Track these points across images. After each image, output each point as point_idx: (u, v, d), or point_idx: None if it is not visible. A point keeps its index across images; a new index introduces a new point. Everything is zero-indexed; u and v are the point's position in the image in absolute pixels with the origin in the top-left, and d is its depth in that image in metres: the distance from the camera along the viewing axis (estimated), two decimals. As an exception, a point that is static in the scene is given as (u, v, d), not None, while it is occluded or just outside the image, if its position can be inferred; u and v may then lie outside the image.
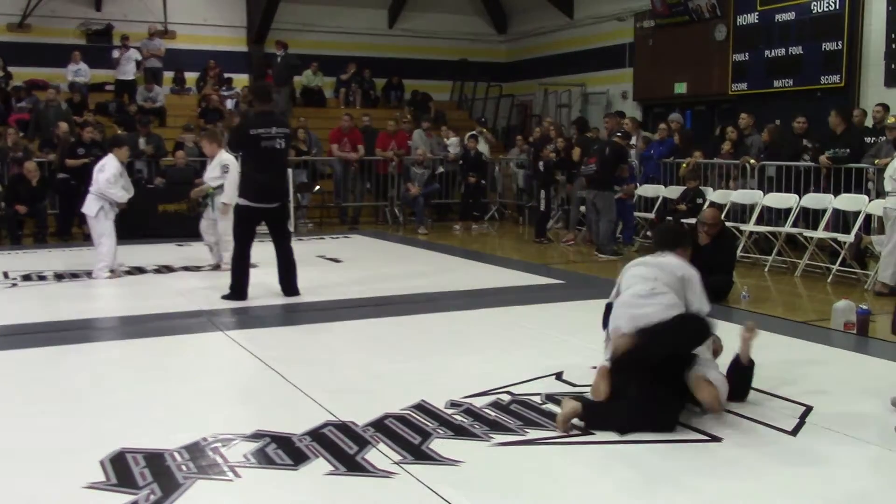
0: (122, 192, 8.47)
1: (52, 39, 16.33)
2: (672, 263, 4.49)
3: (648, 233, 10.91)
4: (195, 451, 3.69)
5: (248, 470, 3.51)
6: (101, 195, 8.31)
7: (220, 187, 8.62)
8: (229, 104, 16.26)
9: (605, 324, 4.53)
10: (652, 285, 4.34)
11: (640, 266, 4.55)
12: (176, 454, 3.64)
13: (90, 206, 8.37)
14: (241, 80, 17.33)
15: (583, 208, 12.16)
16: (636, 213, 11.56)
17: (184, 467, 3.51)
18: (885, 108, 10.13)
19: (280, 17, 17.85)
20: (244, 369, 5.24)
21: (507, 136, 17.79)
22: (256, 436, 3.87)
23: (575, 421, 4.01)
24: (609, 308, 4.55)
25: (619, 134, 10.87)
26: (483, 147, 14.72)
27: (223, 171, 8.60)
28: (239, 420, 4.13)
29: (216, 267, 8.78)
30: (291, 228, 12.18)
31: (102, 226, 8.36)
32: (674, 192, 11.21)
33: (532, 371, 4.97)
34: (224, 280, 7.47)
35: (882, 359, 5.53)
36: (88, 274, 8.47)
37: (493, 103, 19.23)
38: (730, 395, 4.23)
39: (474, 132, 14.95)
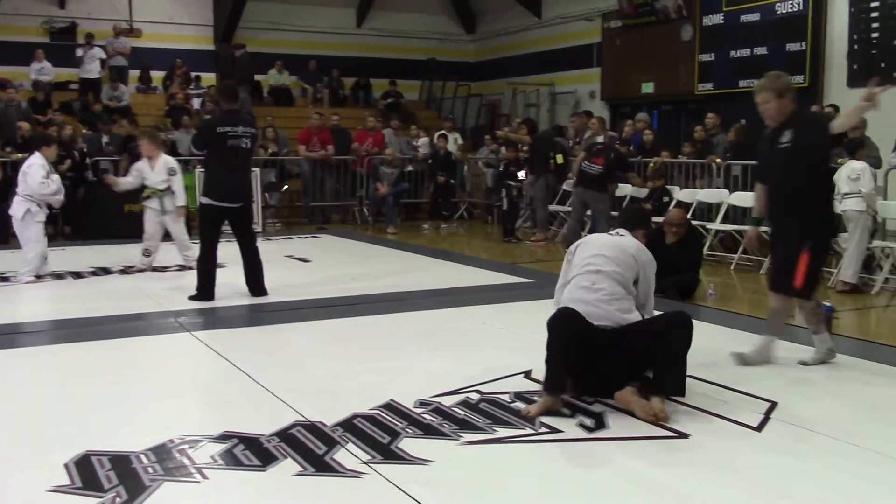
0: (59, 195, 8.35)
1: (14, 37, 16.08)
2: (627, 243, 4.60)
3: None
4: (162, 452, 3.66)
5: (216, 471, 3.48)
6: (30, 197, 8.09)
7: (168, 189, 8.58)
8: (196, 103, 16.13)
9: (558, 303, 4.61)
10: (593, 279, 4.45)
11: (591, 246, 4.65)
12: (142, 456, 3.61)
13: (16, 209, 8.13)
14: (208, 78, 17.18)
15: (551, 207, 12.25)
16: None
17: (150, 469, 3.48)
18: (835, 108, 10.26)
19: (247, 16, 17.74)
20: (211, 370, 5.20)
21: (476, 135, 17.82)
22: (224, 437, 3.84)
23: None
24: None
25: (617, 143, 11.11)
26: (453, 146, 14.74)
27: (170, 173, 8.62)
28: (206, 421, 4.10)
29: (140, 271, 8.72)
30: (259, 228, 12.21)
31: (30, 230, 8.12)
32: (641, 190, 11.28)
33: (501, 370, 4.98)
34: (190, 280, 7.41)
35: (845, 355, 5.60)
36: (53, 276, 8.37)
37: (462, 103, 19.25)
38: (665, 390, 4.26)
39: (443, 131, 14.98)
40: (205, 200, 7.18)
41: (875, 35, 11.61)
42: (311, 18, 18.62)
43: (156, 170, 8.68)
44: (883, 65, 11.48)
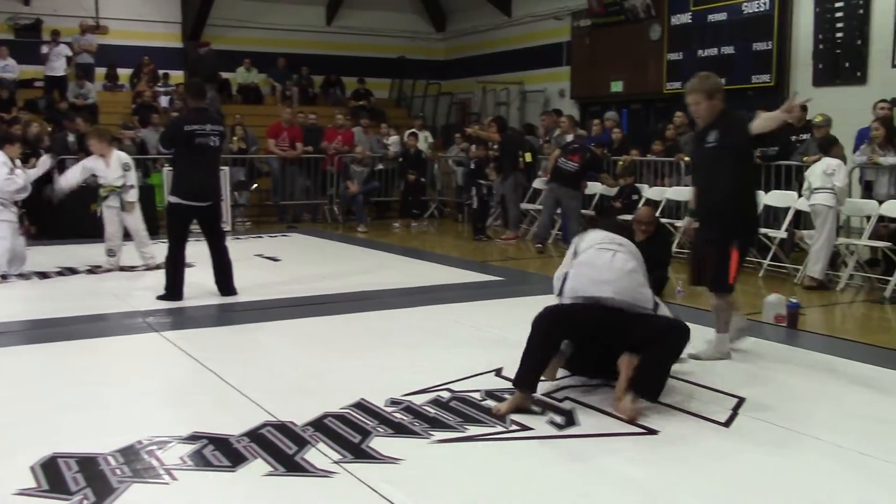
0: (24, 192, 8.25)
1: (-22, 34, 15.88)
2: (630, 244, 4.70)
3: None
4: (130, 454, 3.62)
5: (185, 472, 3.46)
6: None
7: (125, 186, 8.53)
8: (164, 101, 15.99)
9: (560, 291, 4.63)
10: (614, 251, 4.52)
11: (599, 232, 4.74)
12: (110, 458, 3.57)
13: None
14: (176, 76, 17.04)
15: (521, 205, 12.28)
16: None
17: (118, 471, 3.44)
18: (804, 107, 10.39)
19: (216, 13, 17.62)
20: (180, 370, 5.16)
21: (446, 133, 17.83)
22: (193, 438, 3.81)
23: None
24: (564, 278, 4.65)
25: (592, 143, 11.28)
26: (423, 145, 14.73)
27: (125, 168, 8.58)
28: (175, 422, 4.06)
29: (106, 271, 8.62)
30: (228, 227, 12.13)
31: None
32: (611, 189, 11.35)
33: (471, 368, 4.99)
34: (158, 280, 7.34)
35: (811, 350, 5.70)
36: (20, 276, 8.26)
37: (432, 101, 19.25)
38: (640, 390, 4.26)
39: (414, 130, 14.98)
40: (173, 199, 7.11)
41: (839, 35, 11.76)
42: (280, 16, 18.54)
43: (111, 167, 8.58)
44: (847, 64, 11.64)
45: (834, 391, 4.73)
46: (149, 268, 8.65)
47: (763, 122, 5.02)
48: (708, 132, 5.17)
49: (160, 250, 7.75)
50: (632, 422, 4.06)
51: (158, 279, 7.38)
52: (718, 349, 5.32)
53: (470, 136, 13.80)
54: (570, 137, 11.82)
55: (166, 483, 3.36)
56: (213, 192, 7.19)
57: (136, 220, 8.75)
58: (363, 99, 17.96)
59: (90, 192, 9.24)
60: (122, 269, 8.72)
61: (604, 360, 4.47)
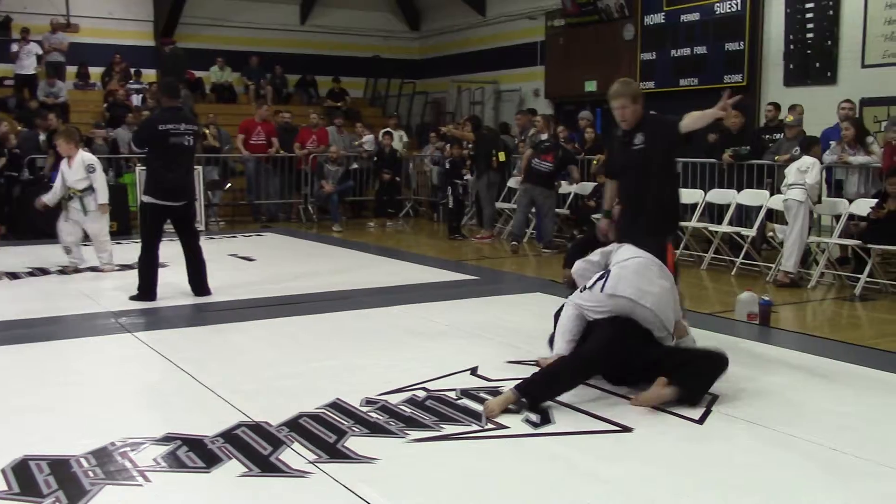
0: None
1: (-55, 32, 15.66)
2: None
3: (575, 232, 11.07)
4: (103, 456, 3.59)
5: (159, 474, 3.43)
6: None
7: (88, 189, 8.39)
8: (136, 100, 15.85)
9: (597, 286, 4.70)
10: (658, 267, 4.69)
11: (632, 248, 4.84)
12: (82, 460, 3.53)
13: None
14: (148, 75, 16.90)
15: (496, 204, 12.30)
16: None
17: (91, 473, 3.41)
18: (776, 107, 10.52)
19: (188, 11, 17.49)
20: (153, 371, 5.11)
21: (421, 132, 17.82)
22: (167, 439, 3.78)
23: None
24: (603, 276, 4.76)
25: (562, 140, 11.36)
26: (398, 144, 14.72)
27: (88, 171, 8.38)
28: (148, 423, 4.03)
29: (75, 270, 8.53)
30: (202, 227, 12.04)
31: None
32: (586, 188, 11.39)
33: (447, 367, 4.99)
34: (131, 281, 7.28)
35: (783, 348, 5.76)
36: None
37: (407, 100, 19.24)
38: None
39: (389, 129, 14.96)
40: (146, 199, 7.07)
41: (810, 36, 11.89)
42: (254, 14, 18.44)
43: (73, 168, 8.39)
44: (818, 65, 11.78)
45: (806, 388, 4.78)
46: (123, 267, 8.55)
47: (693, 120, 5.24)
48: (634, 135, 5.34)
49: (129, 252, 7.67)
50: (607, 419, 4.09)
51: (131, 280, 7.32)
52: None
53: (445, 135, 13.81)
54: (544, 136, 11.85)
55: (140, 485, 3.33)
56: (187, 192, 7.15)
57: (96, 225, 8.50)
58: (339, 100, 17.90)
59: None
60: (93, 269, 8.62)
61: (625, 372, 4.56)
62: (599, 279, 4.69)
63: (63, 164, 8.51)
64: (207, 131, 13.71)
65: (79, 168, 8.38)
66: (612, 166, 5.77)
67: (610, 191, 5.81)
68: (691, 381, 4.37)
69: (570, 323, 4.71)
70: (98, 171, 8.47)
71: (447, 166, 12.74)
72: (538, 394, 4.25)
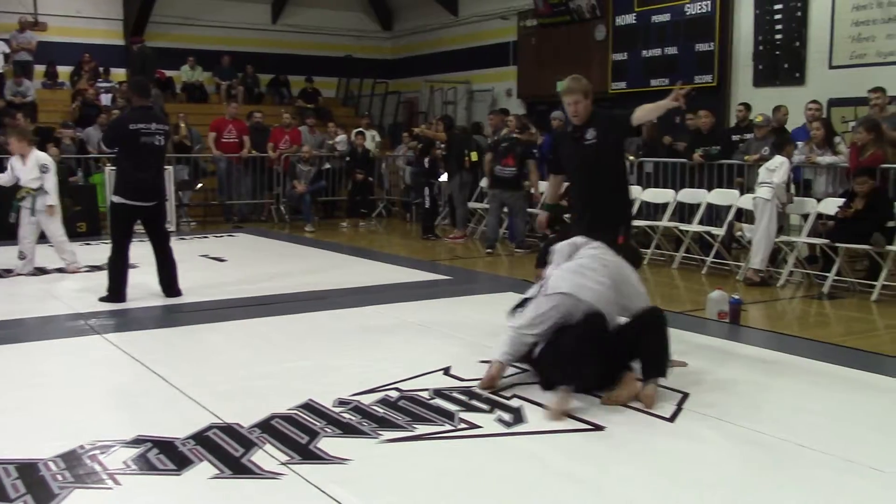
0: None
1: None
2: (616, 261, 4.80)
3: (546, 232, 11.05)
4: (71, 459, 3.55)
5: (129, 477, 3.40)
6: None
7: (41, 188, 8.28)
8: (105, 99, 15.69)
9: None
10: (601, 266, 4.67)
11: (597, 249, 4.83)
12: (51, 463, 3.49)
13: None
14: (117, 74, 16.74)
15: (469, 204, 12.31)
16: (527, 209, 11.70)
17: (59, 477, 3.37)
18: (747, 107, 10.63)
19: (158, 10, 17.36)
20: (124, 373, 5.06)
21: (393, 132, 17.80)
22: (137, 441, 3.75)
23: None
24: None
25: (517, 130, 11.16)
26: (370, 144, 14.69)
27: (42, 170, 8.27)
28: (118, 425, 3.99)
29: (28, 273, 8.41)
30: (173, 227, 11.95)
31: None
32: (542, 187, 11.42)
33: (420, 367, 4.99)
34: (100, 282, 7.21)
35: (753, 346, 5.81)
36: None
37: (380, 100, 19.21)
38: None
39: (361, 129, 14.93)
40: (116, 199, 6.99)
41: (778, 37, 12.02)
42: (225, 14, 18.34)
43: (27, 166, 8.29)
44: (786, 65, 11.91)
45: (775, 385, 4.83)
46: (69, 271, 8.45)
47: (646, 112, 5.37)
48: (586, 130, 5.43)
49: (99, 253, 7.59)
50: (574, 416, 4.11)
51: (100, 281, 7.24)
52: None
53: (417, 135, 13.81)
54: (504, 132, 11.86)
55: (109, 488, 3.30)
56: (157, 192, 7.10)
57: (53, 225, 8.40)
58: (312, 100, 17.83)
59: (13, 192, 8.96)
60: (61, 270, 8.51)
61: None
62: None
63: (15, 161, 8.41)
64: (179, 135, 13.61)
65: (33, 167, 8.28)
66: (561, 162, 5.83)
67: (553, 186, 6.02)
68: (651, 359, 4.45)
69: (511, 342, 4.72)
70: (51, 172, 8.33)
71: (426, 166, 12.68)
72: (576, 373, 4.31)
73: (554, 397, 4.23)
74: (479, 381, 4.63)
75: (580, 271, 4.64)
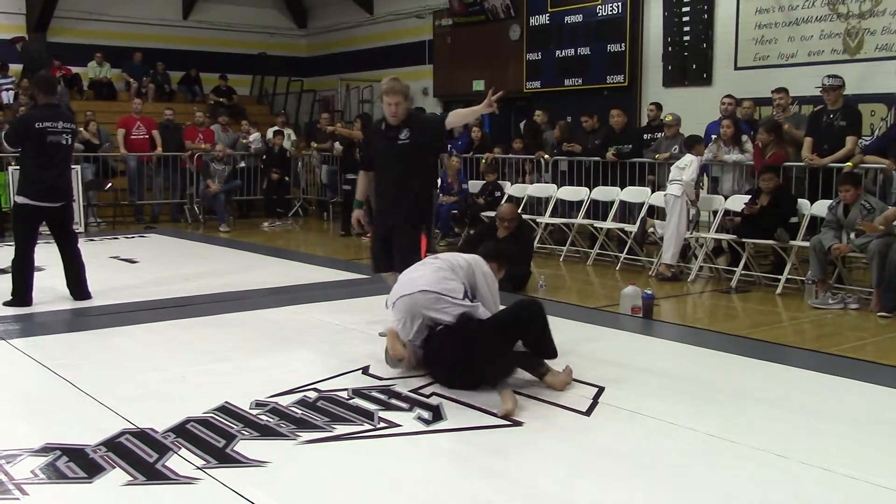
0: None
1: None
2: (460, 256, 5.08)
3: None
4: (-25, 470, 3.42)
5: (37, 486, 3.29)
6: None
7: None
8: (6, 97, 15.11)
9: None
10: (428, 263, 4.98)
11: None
12: (-48, 475, 3.36)
13: None
14: (17, 70, 16.11)
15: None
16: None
17: (-38, 489, 3.25)
18: (658, 106, 10.88)
19: (63, 5, 16.78)
20: (30, 379, 4.89)
21: (309, 131, 17.62)
22: (45, 449, 3.63)
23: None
24: None
25: (451, 147, 11.24)
26: (287, 143, 14.52)
27: None
28: (25, 434, 3.85)
29: None
30: (81, 228, 11.60)
31: None
32: (475, 186, 11.51)
33: (338, 367, 4.97)
34: (3, 285, 6.95)
35: (665, 339, 5.97)
36: None
37: (295, 98, 19.00)
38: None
39: (277, 127, 14.75)
40: (20, 200, 6.77)
41: (687, 38, 12.34)
42: (133, 9, 17.84)
43: None
44: (694, 66, 12.23)
45: (687, 377, 4.96)
46: None
47: (458, 117, 5.86)
48: (400, 130, 5.63)
49: (1, 256, 7.32)
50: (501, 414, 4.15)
51: (4, 284, 6.98)
52: None
53: (334, 133, 13.71)
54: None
55: (16, 499, 3.19)
56: (64, 193, 6.89)
57: None
58: (225, 97, 17.51)
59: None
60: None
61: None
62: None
63: None
64: (88, 132, 13.22)
65: None
66: (372, 159, 5.96)
67: (364, 183, 6.13)
68: (539, 346, 4.70)
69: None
70: None
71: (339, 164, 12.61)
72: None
73: (501, 397, 4.27)
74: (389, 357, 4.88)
75: (402, 278, 4.95)
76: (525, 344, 4.68)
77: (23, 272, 6.78)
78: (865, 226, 6.91)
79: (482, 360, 4.45)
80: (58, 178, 6.78)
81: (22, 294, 6.76)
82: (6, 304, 6.72)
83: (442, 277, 4.77)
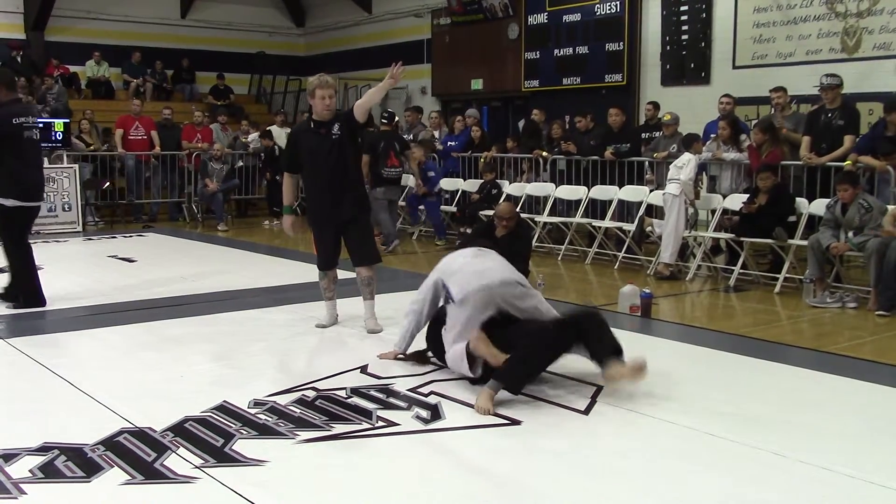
0: None
1: None
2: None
3: (462, 229, 11.06)
4: (-27, 469, 3.42)
5: (35, 486, 3.29)
6: None
7: None
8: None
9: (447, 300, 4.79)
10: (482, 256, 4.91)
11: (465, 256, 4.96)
12: (-49, 474, 3.36)
13: None
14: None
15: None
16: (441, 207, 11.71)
17: (-40, 488, 3.25)
18: (656, 106, 10.89)
19: (62, 3, 16.78)
20: (28, 378, 4.88)
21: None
22: (44, 449, 3.63)
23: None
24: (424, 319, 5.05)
25: (384, 120, 11.08)
26: (284, 141, 14.48)
27: None
28: (23, 433, 3.85)
29: None
30: (80, 227, 11.61)
31: None
32: (473, 185, 11.50)
33: (337, 366, 4.97)
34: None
35: (662, 338, 5.97)
36: None
37: (293, 97, 18.99)
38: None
39: (269, 128, 14.73)
40: (9, 203, 6.38)
41: (685, 37, 12.35)
42: (132, 8, 17.86)
43: None
44: (692, 65, 12.25)
45: (685, 376, 4.96)
46: None
47: (365, 99, 5.82)
48: (332, 125, 5.75)
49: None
50: (495, 414, 4.15)
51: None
52: (376, 317, 6.01)
53: None
54: (437, 133, 11.86)
55: (14, 498, 3.19)
56: (43, 191, 6.81)
57: None
58: (223, 97, 17.50)
59: None
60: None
61: None
62: (444, 292, 4.79)
63: None
64: (82, 132, 13.20)
65: None
66: (298, 161, 5.94)
67: (291, 186, 6.12)
68: (607, 343, 4.58)
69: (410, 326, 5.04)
70: None
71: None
72: (517, 382, 4.31)
73: (480, 394, 4.26)
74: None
75: (472, 263, 4.82)
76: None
77: (29, 273, 6.67)
78: (885, 232, 6.83)
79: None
80: (40, 175, 6.69)
81: (33, 295, 6.66)
82: (16, 306, 6.60)
83: (507, 265, 4.83)
